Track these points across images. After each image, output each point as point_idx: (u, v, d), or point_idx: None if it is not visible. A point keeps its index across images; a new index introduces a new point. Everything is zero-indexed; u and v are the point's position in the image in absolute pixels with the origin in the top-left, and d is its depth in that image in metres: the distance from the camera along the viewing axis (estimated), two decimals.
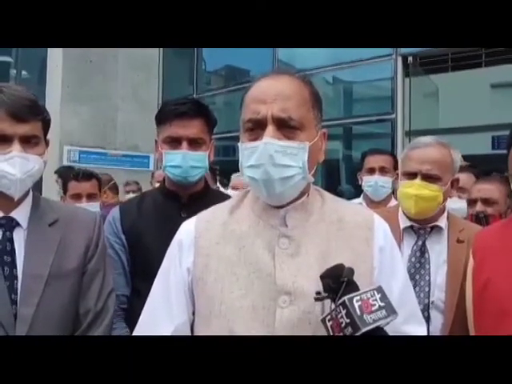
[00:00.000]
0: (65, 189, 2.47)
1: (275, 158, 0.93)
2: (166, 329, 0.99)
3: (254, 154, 0.95)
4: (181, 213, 1.50)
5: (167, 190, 1.60)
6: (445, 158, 1.56)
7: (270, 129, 0.94)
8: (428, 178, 1.54)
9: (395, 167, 2.57)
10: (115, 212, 1.60)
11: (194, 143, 1.52)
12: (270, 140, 0.93)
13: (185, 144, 1.51)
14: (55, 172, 3.89)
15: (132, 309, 1.39)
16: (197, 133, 1.52)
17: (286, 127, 0.95)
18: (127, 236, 1.53)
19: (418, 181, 1.55)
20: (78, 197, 2.39)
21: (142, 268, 1.47)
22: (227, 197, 1.68)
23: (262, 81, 1.00)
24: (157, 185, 2.97)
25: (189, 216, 1.44)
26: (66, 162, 6.49)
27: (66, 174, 2.56)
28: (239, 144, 1.00)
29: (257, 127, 0.96)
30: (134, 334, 1.07)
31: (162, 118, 1.56)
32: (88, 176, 2.46)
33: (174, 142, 1.52)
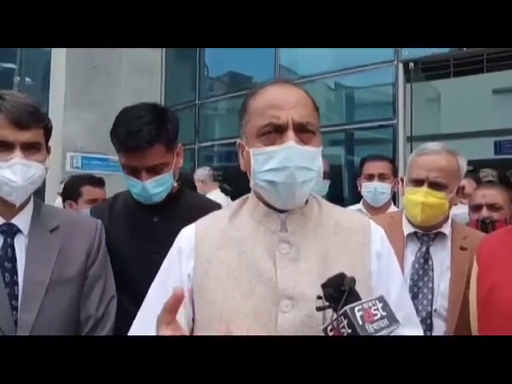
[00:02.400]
0: (76, 194, 2.42)
1: (300, 161, 0.96)
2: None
3: (274, 157, 0.96)
4: (153, 217, 1.46)
5: None
6: (452, 165, 1.55)
7: (292, 133, 0.96)
8: (435, 185, 1.53)
9: (394, 173, 2.59)
10: None
11: (154, 170, 1.38)
12: (294, 144, 0.95)
13: (144, 174, 1.37)
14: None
15: None
16: (155, 159, 1.37)
17: (304, 132, 0.98)
18: None
19: (424, 188, 1.54)
20: (94, 202, 2.35)
21: (114, 273, 1.41)
22: (202, 198, 1.65)
23: (272, 89, 1.02)
24: None
25: (162, 220, 1.42)
26: (68, 168, 6.50)
27: (78, 180, 2.53)
28: (250, 150, 0.99)
29: (275, 132, 0.97)
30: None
31: (115, 145, 1.43)
32: (102, 182, 2.51)
33: (132, 170, 1.39)
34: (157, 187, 1.40)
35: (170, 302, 0.82)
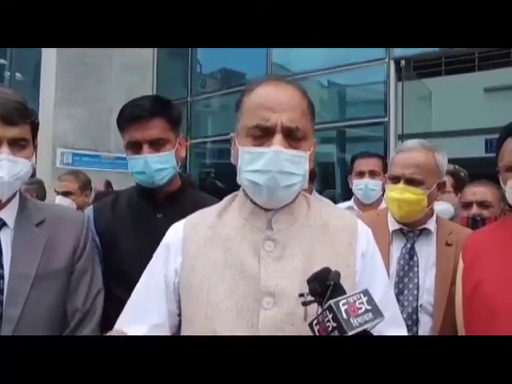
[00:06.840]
0: None
1: (283, 166, 0.96)
2: (139, 328, 1.00)
3: (259, 159, 0.96)
4: (156, 213, 1.47)
5: (142, 190, 1.52)
6: (428, 161, 1.56)
7: (279, 137, 0.96)
8: (411, 181, 1.54)
9: (385, 170, 2.59)
10: (89, 212, 1.55)
11: (156, 145, 1.44)
12: (280, 148, 0.95)
13: (146, 147, 1.43)
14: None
15: (105, 310, 1.34)
16: (156, 133, 1.43)
17: (292, 137, 0.97)
18: (101, 237, 1.47)
19: (401, 185, 1.56)
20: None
21: (115, 270, 1.43)
22: (205, 196, 1.65)
23: (265, 87, 1.01)
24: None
25: (164, 217, 1.42)
26: (59, 165, 6.46)
27: None
28: (239, 147, 1.00)
29: (264, 134, 0.97)
30: (112, 333, 1.06)
31: (120, 124, 1.49)
32: None
33: (135, 147, 1.45)
34: (158, 163, 1.44)
35: None
